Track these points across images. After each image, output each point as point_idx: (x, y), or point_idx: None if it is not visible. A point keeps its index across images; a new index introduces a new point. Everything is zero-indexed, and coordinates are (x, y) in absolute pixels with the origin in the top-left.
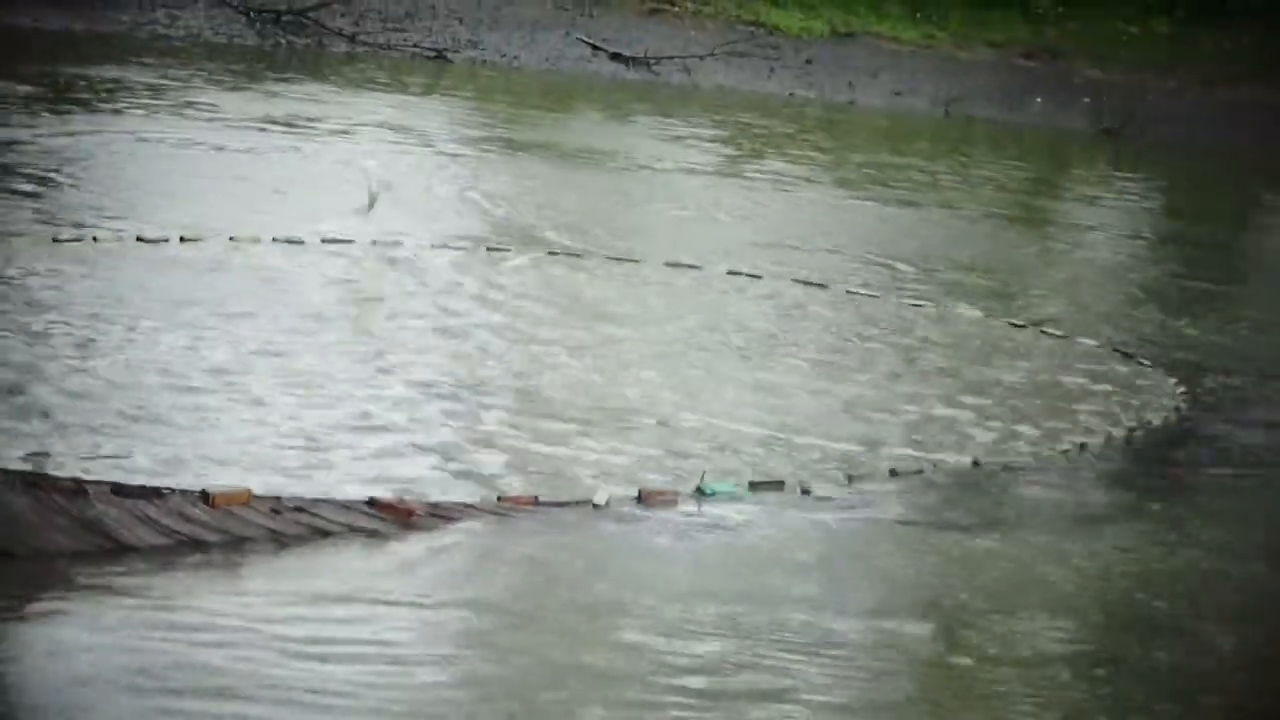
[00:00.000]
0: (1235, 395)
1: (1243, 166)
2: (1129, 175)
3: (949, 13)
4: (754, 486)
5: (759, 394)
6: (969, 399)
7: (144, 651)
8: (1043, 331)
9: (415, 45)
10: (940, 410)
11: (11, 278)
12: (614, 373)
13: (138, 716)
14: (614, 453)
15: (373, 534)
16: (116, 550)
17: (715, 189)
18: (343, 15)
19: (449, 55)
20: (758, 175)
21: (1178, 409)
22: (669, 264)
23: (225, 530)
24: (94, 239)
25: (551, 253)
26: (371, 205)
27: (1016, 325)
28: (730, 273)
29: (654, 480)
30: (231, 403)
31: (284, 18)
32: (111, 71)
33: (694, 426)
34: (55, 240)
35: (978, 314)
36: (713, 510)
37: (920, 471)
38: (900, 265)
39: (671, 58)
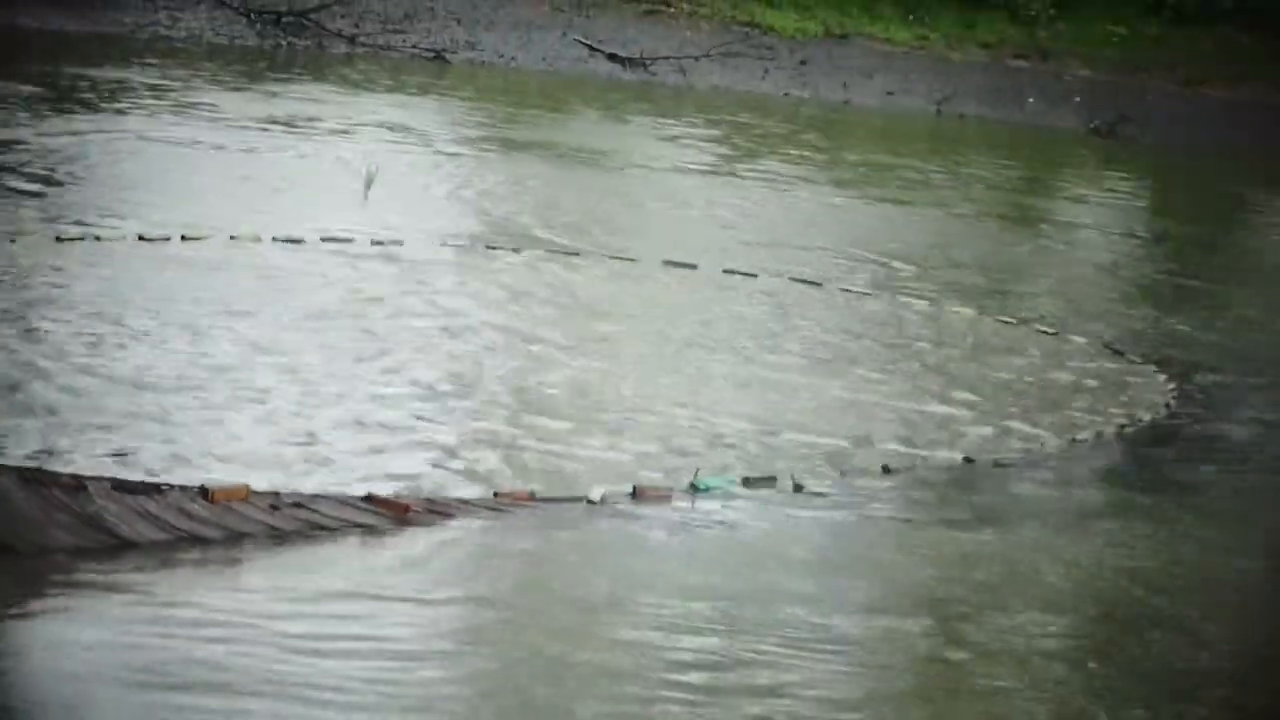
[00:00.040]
0: (1225, 392)
1: (1231, 165)
2: (1119, 174)
3: (941, 14)
4: (747, 482)
5: (753, 391)
6: (961, 396)
7: (145, 648)
8: (1034, 329)
9: (414, 46)
10: (932, 407)
11: (15, 276)
12: (609, 370)
13: (139, 712)
14: (609, 449)
15: (370, 529)
16: (117, 546)
17: (711, 188)
18: (342, 17)
19: (447, 56)
20: (753, 175)
21: (1168, 405)
22: (666, 262)
23: (224, 526)
24: (96, 238)
25: (549, 251)
26: (368, 188)
27: (1008, 323)
28: (726, 271)
29: (649, 477)
30: (231, 400)
31: (284, 19)
32: (113, 72)
33: (688, 423)
34: (58, 239)
35: (970, 312)
36: (706, 506)
37: (912, 468)
38: (894, 263)
39: (667, 58)
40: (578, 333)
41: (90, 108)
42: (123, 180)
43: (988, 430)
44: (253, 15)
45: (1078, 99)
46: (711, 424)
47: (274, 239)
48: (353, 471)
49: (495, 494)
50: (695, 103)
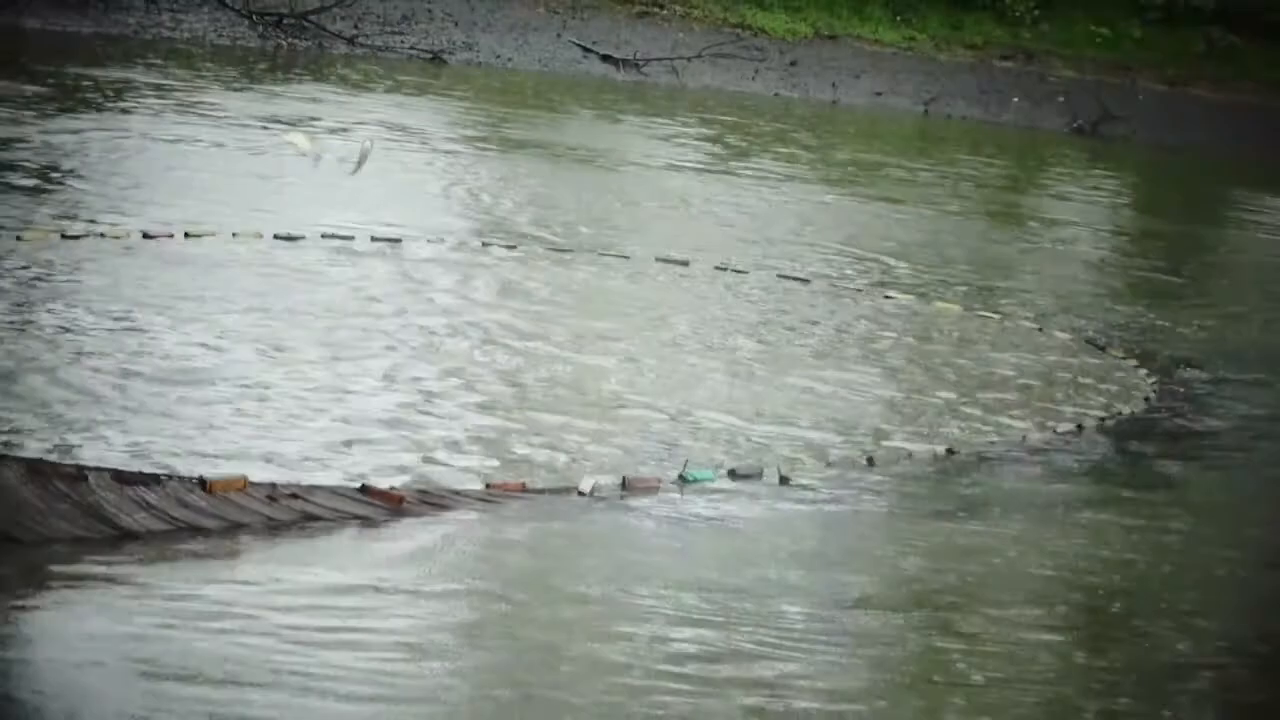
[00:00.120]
0: (1204, 386)
1: (1215, 165)
2: (1102, 172)
3: (929, 16)
4: (734, 475)
5: (740, 385)
6: (945, 390)
7: (145, 638)
8: (1018, 324)
9: (412, 47)
10: (916, 401)
11: (20, 273)
12: (600, 365)
13: (139, 701)
14: (599, 442)
15: (365, 520)
16: (117, 536)
17: (703, 186)
18: (342, 18)
19: (445, 57)
20: (744, 173)
21: (1147, 399)
22: (658, 259)
23: (222, 516)
24: (100, 235)
25: (544, 248)
26: (360, 164)
27: (992, 318)
28: (718, 268)
29: (637, 469)
30: (232, 394)
31: (285, 21)
32: (117, 72)
33: (676, 417)
34: (63, 236)
35: (956, 307)
36: (694, 497)
37: (896, 460)
38: (882, 260)
39: (660, 59)
40: (570, 328)
41: (94, 107)
42: (126, 178)
43: (971, 423)
44: (254, 17)
45: (1062, 99)
46: (699, 417)
47: (275, 236)
48: (349, 462)
49: (487, 485)
50: (687, 103)
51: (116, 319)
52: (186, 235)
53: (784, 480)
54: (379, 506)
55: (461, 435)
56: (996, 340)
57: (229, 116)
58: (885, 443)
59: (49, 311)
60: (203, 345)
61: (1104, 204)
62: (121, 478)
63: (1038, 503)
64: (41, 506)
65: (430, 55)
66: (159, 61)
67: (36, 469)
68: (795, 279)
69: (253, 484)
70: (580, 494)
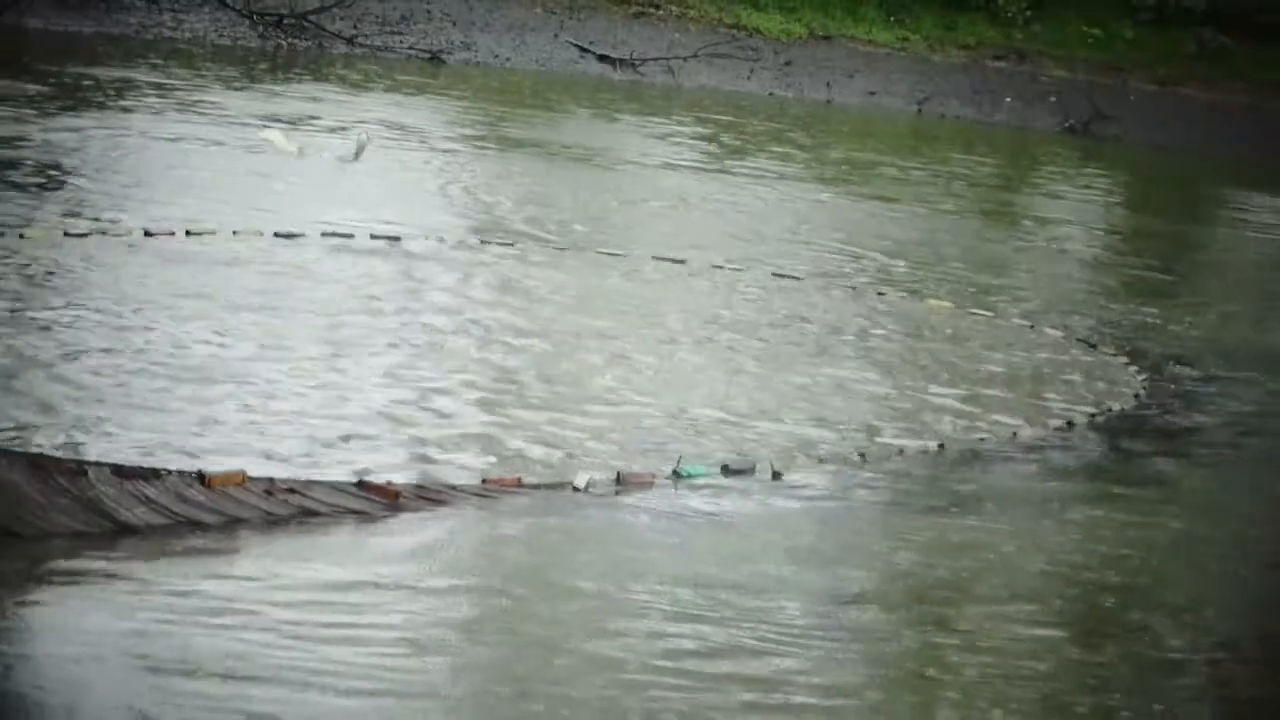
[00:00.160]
0: (1193, 383)
1: (1201, 163)
2: (1094, 171)
3: (922, 16)
4: (727, 470)
5: (734, 381)
6: (937, 386)
7: (145, 633)
8: (1011, 321)
9: (411, 47)
10: (909, 397)
11: (23, 270)
12: (596, 362)
13: (139, 695)
14: (594, 437)
15: (362, 515)
16: (116, 531)
17: (699, 185)
18: (342, 19)
19: (443, 57)
20: (740, 172)
21: (1137, 396)
22: (655, 257)
23: (221, 511)
24: (103, 233)
25: (541, 246)
26: (358, 154)
27: (984, 316)
28: (714, 266)
29: (632, 464)
30: (231, 391)
31: (285, 21)
32: (118, 71)
33: (671, 413)
34: (65, 234)
35: (948, 304)
36: (688, 493)
37: (888, 456)
38: (877, 258)
39: (656, 59)
40: (566, 326)
41: (96, 106)
42: (128, 176)
43: (962, 419)
44: (255, 17)
45: (1054, 99)
46: (694, 414)
47: (275, 234)
48: (347, 457)
49: (484, 480)
50: (683, 102)
51: (118, 316)
52: (188, 233)
53: (777, 475)
54: (376, 501)
55: (458, 431)
56: (988, 337)
57: (229, 116)
58: (877, 439)
59: (52, 309)
60: (203, 342)
61: (1096, 203)
62: (121, 472)
63: (1029, 498)
64: (42, 501)
65: (429, 55)
66: (160, 61)
67: (37, 464)
68: (790, 277)
69: (251, 479)
70: (575, 489)
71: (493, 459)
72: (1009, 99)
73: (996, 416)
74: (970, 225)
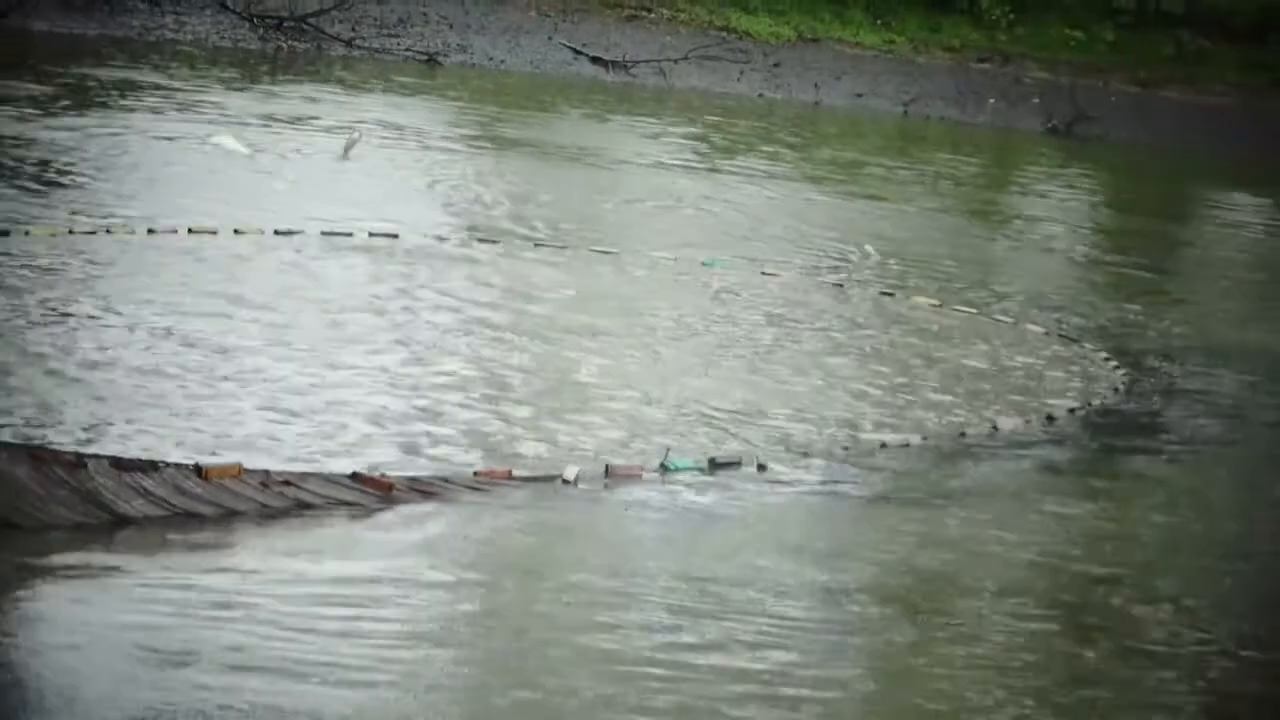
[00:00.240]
0: (1173, 378)
1: (1182, 162)
2: (1075, 170)
3: (907, 19)
4: (713, 464)
5: (720, 377)
6: (920, 381)
7: (143, 624)
8: (994, 318)
9: (408, 49)
10: (893, 392)
11: (28, 267)
12: (587, 357)
13: (136, 685)
14: (583, 431)
15: (356, 507)
16: (115, 522)
17: (689, 184)
18: (340, 21)
19: (440, 59)
20: (730, 171)
21: (1117, 390)
22: (646, 255)
23: (218, 503)
24: (107, 230)
25: (535, 244)
26: (349, 150)
27: (968, 312)
28: (703, 263)
29: (620, 457)
30: (230, 385)
31: (285, 23)
32: (121, 73)
33: (659, 407)
34: (71, 232)
35: (933, 301)
36: (675, 486)
37: (872, 451)
38: (861, 256)
39: (648, 61)
40: (557, 321)
41: (99, 106)
42: (131, 175)
43: (945, 413)
44: (255, 20)
45: (1037, 100)
46: (682, 408)
47: (275, 231)
48: (343, 449)
49: (475, 473)
50: (674, 103)
51: (121, 313)
52: (190, 231)
53: (762, 468)
54: (370, 493)
55: (450, 424)
56: (972, 334)
57: (230, 116)
58: (862, 433)
59: (57, 305)
60: (206, 338)
61: (1078, 202)
62: (120, 464)
63: (1011, 491)
64: (41, 493)
65: (426, 57)
66: (162, 62)
67: (36, 456)
68: (778, 274)
69: (247, 471)
70: (565, 482)
71: (484, 451)
72: (993, 100)
73: (979, 411)
74: (955, 224)
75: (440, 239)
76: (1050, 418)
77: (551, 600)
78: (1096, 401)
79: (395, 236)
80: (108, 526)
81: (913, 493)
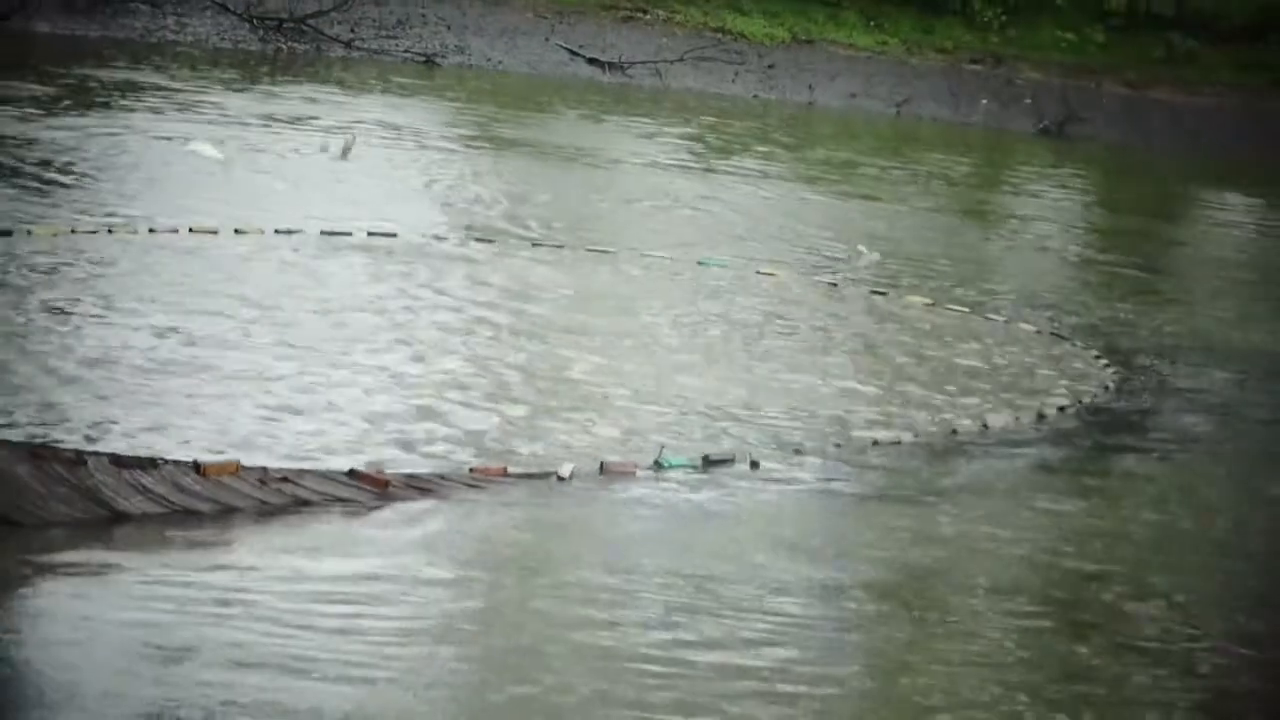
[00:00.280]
0: (1161, 375)
1: (1172, 162)
2: (1067, 171)
3: (900, 21)
4: (707, 461)
5: (717, 374)
6: (912, 379)
7: (146, 622)
8: (986, 316)
9: (406, 50)
10: (885, 390)
11: (31, 266)
12: (582, 354)
13: (135, 680)
14: (579, 428)
15: (352, 503)
16: (114, 519)
17: (685, 184)
18: (339, 23)
19: (438, 60)
20: (725, 171)
21: (1107, 388)
22: (642, 254)
23: (216, 500)
24: (109, 230)
25: (532, 243)
26: (345, 153)
27: (961, 311)
28: (699, 262)
29: (614, 454)
30: (230, 384)
31: (285, 25)
32: (123, 73)
33: (655, 405)
34: (73, 230)
35: (926, 300)
36: (669, 483)
37: (863, 449)
38: (854, 255)
39: (643, 62)
40: (552, 320)
41: (101, 107)
42: (134, 175)
43: (937, 411)
44: (255, 21)
45: (1029, 101)
46: (676, 406)
47: (275, 231)
48: (337, 446)
49: (470, 470)
50: (670, 104)
51: (122, 311)
52: (191, 230)
53: (755, 466)
54: (367, 490)
55: (447, 422)
56: (964, 332)
57: (231, 116)
58: (853, 431)
59: (59, 304)
60: (208, 337)
61: (1070, 201)
62: (119, 462)
63: (1003, 489)
64: (41, 490)
65: (424, 58)
66: (164, 63)
67: (36, 453)
68: (773, 273)
69: (245, 468)
70: (560, 479)
71: (480, 448)
72: (985, 101)
73: (970, 409)
74: (948, 223)
75: (438, 238)
76: (1041, 416)
77: (549, 597)
78: (1087, 399)
79: (394, 236)
80: (107, 523)
81: (905, 490)
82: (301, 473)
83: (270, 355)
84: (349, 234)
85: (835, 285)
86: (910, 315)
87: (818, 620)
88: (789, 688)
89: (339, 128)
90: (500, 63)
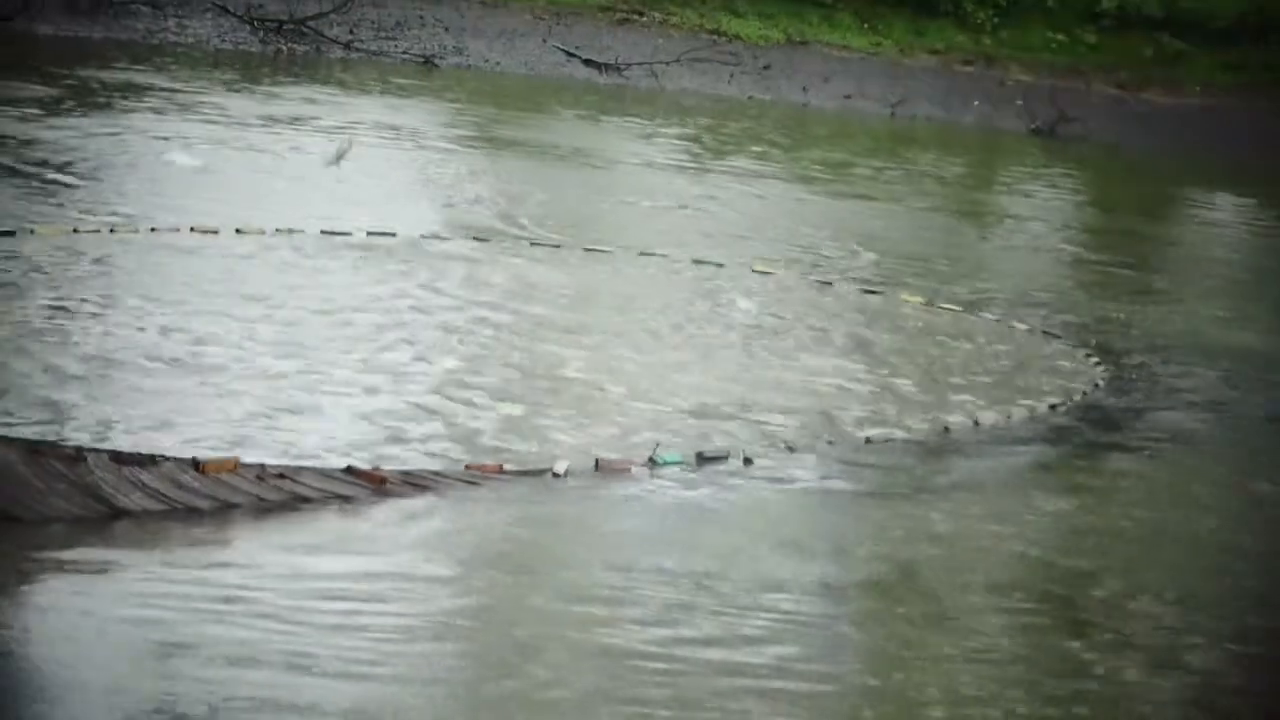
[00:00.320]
0: (1152, 374)
1: (1163, 162)
2: (1058, 170)
3: (894, 22)
4: (701, 458)
5: (712, 372)
6: (905, 377)
7: (146, 619)
8: (978, 315)
9: (405, 52)
10: (879, 387)
11: (34, 266)
12: (578, 352)
13: (134, 676)
14: (574, 426)
15: (350, 500)
16: (113, 515)
17: (681, 184)
18: (339, 24)
19: (436, 61)
20: (720, 171)
21: (1098, 386)
22: (639, 254)
23: (214, 496)
24: (111, 230)
25: (530, 243)
26: (340, 158)
27: (954, 310)
28: (695, 261)
29: (609, 451)
30: (230, 382)
31: (285, 26)
32: (124, 75)
33: (650, 402)
34: (75, 230)
35: (919, 299)
36: (663, 480)
37: (857, 446)
38: (851, 254)
39: (640, 64)
40: (550, 319)
41: (103, 107)
42: (134, 175)
43: (930, 409)
44: (255, 23)
45: (1020, 102)
46: (671, 403)
47: (277, 230)
48: (333, 444)
49: (466, 466)
50: (665, 105)
51: (123, 310)
52: (192, 230)
53: (748, 462)
54: (364, 486)
55: (444, 419)
56: (957, 330)
57: (231, 117)
58: (846, 428)
59: (60, 303)
60: (204, 335)
61: (1062, 201)
62: (119, 458)
63: (996, 486)
64: (41, 486)
65: (422, 59)
66: (164, 64)
67: (36, 449)
68: (767, 272)
69: (243, 465)
70: (555, 476)
71: (475, 445)
72: (977, 102)
73: (963, 406)
74: (942, 223)
75: (437, 238)
76: (1033, 413)
77: (546, 593)
78: (1079, 397)
79: (393, 235)
80: (106, 520)
81: (898, 487)
82: (299, 469)
83: (271, 353)
84: (349, 234)
85: (830, 284)
86: (904, 313)
87: (814, 617)
88: (786, 684)
89: (339, 128)
90: (498, 64)
